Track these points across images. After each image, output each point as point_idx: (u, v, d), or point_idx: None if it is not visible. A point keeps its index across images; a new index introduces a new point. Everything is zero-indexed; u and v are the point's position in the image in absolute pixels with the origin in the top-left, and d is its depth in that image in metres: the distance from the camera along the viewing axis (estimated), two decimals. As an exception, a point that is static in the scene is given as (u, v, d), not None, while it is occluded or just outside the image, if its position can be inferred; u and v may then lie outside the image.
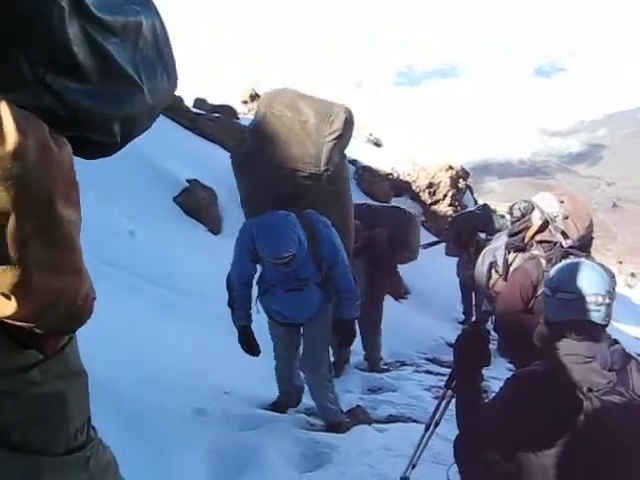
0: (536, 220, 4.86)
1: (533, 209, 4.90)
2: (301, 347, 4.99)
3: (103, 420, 3.60)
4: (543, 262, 4.65)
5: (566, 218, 4.72)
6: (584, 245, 4.74)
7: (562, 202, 4.81)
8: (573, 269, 2.77)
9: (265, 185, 4.76)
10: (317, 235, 4.40)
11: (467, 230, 9.68)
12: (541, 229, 4.83)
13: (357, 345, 7.68)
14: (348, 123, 4.78)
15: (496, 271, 5.32)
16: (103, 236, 7.26)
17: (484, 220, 9.72)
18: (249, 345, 4.65)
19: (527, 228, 4.94)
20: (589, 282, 2.66)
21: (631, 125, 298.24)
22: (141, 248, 7.53)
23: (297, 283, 4.50)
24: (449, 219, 11.91)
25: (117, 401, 3.87)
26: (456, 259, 10.44)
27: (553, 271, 2.84)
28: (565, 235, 4.68)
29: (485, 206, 10.92)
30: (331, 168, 4.69)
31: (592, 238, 4.88)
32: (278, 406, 5.10)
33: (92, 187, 8.34)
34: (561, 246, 4.68)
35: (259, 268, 4.65)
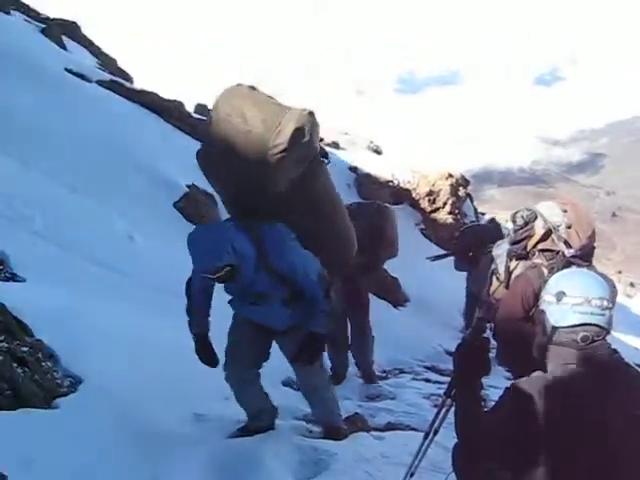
0: (539, 229, 4.86)
1: (536, 217, 4.90)
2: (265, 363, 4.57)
3: (103, 426, 3.60)
4: (545, 271, 4.64)
5: (569, 227, 4.72)
6: (586, 254, 4.74)
7: (565, 211, 4.80)
8: (575, 275, 2.81)
9: (223, 192, 4.46)
10: (266, 248, 3.93)
11: (476, 244, 9.07)
12: (544, 238, 4.83)
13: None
14: (300, 135, 4.02)
15: (497, 278, 5.32)
16: (103, 241, 7.26)
17: (494, 233, 9.08)
18: (206, 355, 4.30)
19: (529, 237, 4.94)
20: (594, 287, 2.68)
21: (631, 134, 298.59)
22: (141, 253, 7.52)
23: (254, 298, 4.14)
24: (457, 232, 11.72)
25: (116, 407, 3.87)
26: (454, 269, 10.35)
27: (553, 280, 2.84)
28: (568, 244, 4.67)
29: (493, 219, 10.82)
30: (282, 186, 4.05)
31: (594, 248, 4.88)
32: (247, 432, 4.54)
33: (93, 192, 8.37)
34: (563, 255, 4.68)
35: None
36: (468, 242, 9.54)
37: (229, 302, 4.33)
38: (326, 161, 4.45)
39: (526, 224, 4.96)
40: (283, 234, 4.05)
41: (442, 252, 11.91)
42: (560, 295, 2.69)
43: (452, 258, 10.43)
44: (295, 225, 4.11)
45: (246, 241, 3.84)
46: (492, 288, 5.36)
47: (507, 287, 5.12)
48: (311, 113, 4.14)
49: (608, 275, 4.68)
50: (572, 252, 4.65)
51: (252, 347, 4.47)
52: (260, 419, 4.58)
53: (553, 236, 4.75)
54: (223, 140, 4.05)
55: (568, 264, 4.62)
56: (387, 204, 7.55)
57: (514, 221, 5.12)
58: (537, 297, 4.59)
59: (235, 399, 4.49)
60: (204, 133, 4.38)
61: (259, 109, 4.03)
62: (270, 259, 3.94)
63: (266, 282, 4.02)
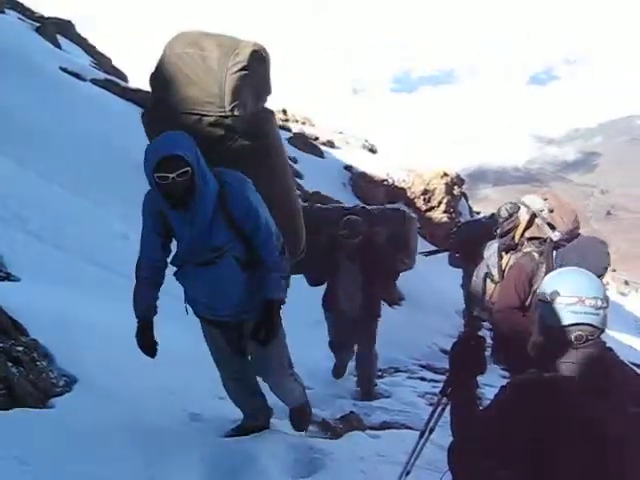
0: (523, 216, 4.99)
1: (519, 209, 5.04)
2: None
3: (98, 425, 3.60)
4: (536, 256, 4.73)
5: (551, 211, 4.85)
6: (571, 239, 4.84)
7: (546, 199, 4.95)
8: (569, 275, 2.81)
9: None
10: (227, 190, 3.58)
11: (473, 240, 8.44)
12: (529, 224, 4.95)
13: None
14: (258, 58, 3.89)
15: (491, 280, 5.34)
16: (99, 240, 7.25)
17: (491, 229, 8.86)
18: (145, 343, 3.85)
19: (515, 227, 5.06)
20: (587, 286, 2.69)
21: (626, 133, 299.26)
22: (135, 252, 7.50)
23: (209, 254, 3.65)
24: (453, 228, 11.63)
25: (112, 406, 3.87)
26: (448, 265, 10.29)
27: (548, 279, 2.84)
28: (552, 227, 4.78)
29: (493, 215, 10.73)
30: (240, 110, 3.78)
31: (579, 234, 4.96)
32: (242, 431, 4.38)
33: (89, 192, 8.35)
34: (551, 240, 4.77)
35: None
36: (464, 238, 9.26)
37: (175, 274, 3.87)
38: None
39: (510, 215, 5.13)
40: (244, 178, 3.70)
41: (436, 249, 11.90)
42: (554, 295, 2.70)
43: (447, 254, 10.38)
44: None
45: (210, 171, 3.53)
46: (488, 291, 5.38)
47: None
48: (265, 48, 4.05)
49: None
50: (558, 235, 4.76)
51: (223, 349, 4.16)
52: (255, 418, 4.46)
53: (537, 221, 4.88)
54: (177, 74, 3.85)
55: (557, 247, 4.72)
56: (412, 213, 7.43)
57: (499, 215, 5.26)
58: (531, 282, 4.68)
59: (231, 399, 4.38)
60: (152, 81, 4.05)
61: (214, 39, 3.91)
62: (230, 203, 3.59)
63: (223, 232, 3.63)
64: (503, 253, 5.26)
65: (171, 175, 3.25)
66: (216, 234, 3.60)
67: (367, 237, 6.50)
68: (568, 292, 2.67)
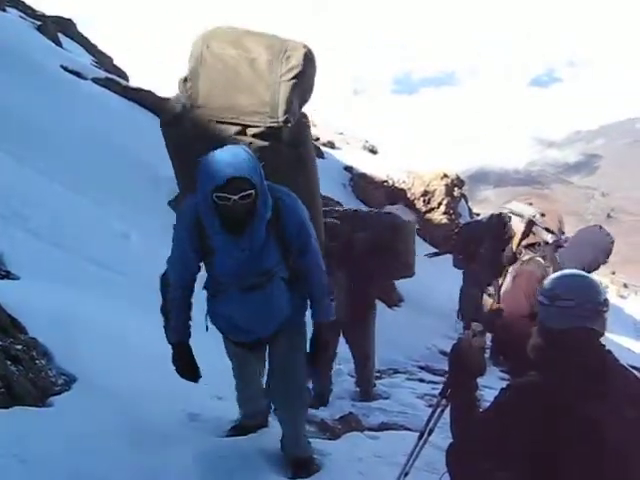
0: (518, 225, 4.96)
1: (510, 218, 5.01)
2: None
3: (97, 424, 3.59)
4: (542, 261, 4.70)
5: (543, 215, 4.84)
6: (561, 238, 4.86)
7: (531, 204, 4.95)
8: (570, 278, 2.80)
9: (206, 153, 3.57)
10: (280, 206, 3.28)
11: (474, 240, 8.75)
12: (526, 232, 4.92)
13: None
14: (309, 60, 3.61)
15: (488, 295, 5.32)
16: (99, 239, 7.26)
17: (491, 229, 8.83)
18: (186, 368, 3.61)
19: (511, 237, 5.01)
20: (588, 290, 2.68)
21: (627, 136, 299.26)
22: (136, 252, 7.51)
23: (257, 278, 3.35)
24: (454, 229, 11.57)
25: (111, 405, 3.86)
26: (448, 264, 10.23)
27: (548, 281, 2.84)
28: (548, 230, 4.78)
29: (492, 216, 10.66)
30: (292, 119, 3.53)
31: (564, 232, 4.98)
32: (241, 430, 4.21)
33: (89, 190, 8.35)
34: (546, 243, 4.77)
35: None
36: (466, 238, 9.24)
37: (211, 299, 3.60)
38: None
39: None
40: (291, 193, 3.42)
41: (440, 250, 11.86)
42: (554, 297, 2.69)
43: (450, 256, 10.32)
44: None
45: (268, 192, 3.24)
46: (485, 304, 5.35)
47: (498, 301, 5.14)
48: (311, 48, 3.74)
49: (602, 276, 4.77)
50: (554, 237, 4.76)
51: (244, 366, 4.00)
52: (254, 418, 4.31)
53: (534, 229, 4.86)
54: (218, 77, 3.52)
55: (556, 249, 4.72)
56: (408, 219, 6.71)
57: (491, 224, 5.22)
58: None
59: (239, 402, 4.25)
60: (183, 84, 3.67)
61: (258, 39, 3.60)
62: (283, 220, 3.31)
63: (274, 254, 3.36)
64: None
65: (234, 197, 2.98)
66: (267, 257, 3.34)
67: (348, 243, 6.18)
68: (568, 295, 2.66)
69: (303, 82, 3.59)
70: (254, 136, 3.55)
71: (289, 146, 3.66)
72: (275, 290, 3.43)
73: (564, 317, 2.64)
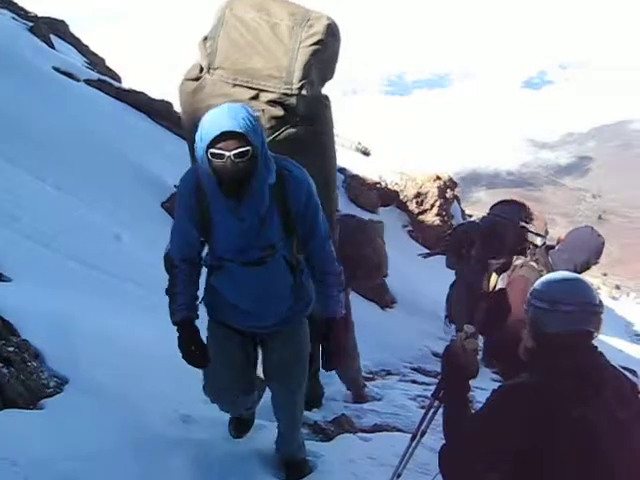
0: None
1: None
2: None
3: (89, 427, 3.58)
4: (535, 265, 4.73)
5: (532, 220, 4.90)
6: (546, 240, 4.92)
7: (524, 205, 5.01)
8: (568, 282, 2.79)
9: None
10: (287, 178, 3.04)
11: (469, 241, 8.13)
12: (520, 238, 4.96)
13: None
14: (332, 32, 3.50)
15: (479, 296, 5.35)
16: (89, 240, 7.23)
17: (485, 230, 8.86)
18: (193, 349, 3.30)
19: (502, 242, 5.05)
20: (587, 293, 2.70)
21: (618, 138, 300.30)
22: (128, 253, 7.49)
23: (260, 252, 3.12)
24: (447, 231, 11.57)
25: (103, 408, 3.85)
26: (442, 266, 10.23)
27: (543, 286, 2.82)
28: (538, 234, 4.83)
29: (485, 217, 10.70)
30: (308, 89, 3.38)
31: (548, 232, 5.05)
32: (239, 424, 4.08)
33: (80, 191, 8.32)
34: (536, 246, 4.81)
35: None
36: (460, 239, 8.74)
37: (210, 277, 3.37)
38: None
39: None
40: (302, 168, 3.17)
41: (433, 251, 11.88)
42: (555, 302, 2.68)
43: (443, 257, 10.32)
44: None
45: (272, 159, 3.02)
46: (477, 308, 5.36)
47: (489, 303, 5.16)
48: (336, 23, 3.59)
49: (593, 278, 4.81)
50: (543, 240, 4.81)
51: (230, 357, 3.51)
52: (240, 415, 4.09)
53: (525, 231, 4.91)
54: (238, 39, 3.38)
55: (547, 251, 4.76)
56: (372, 219, 6.14)
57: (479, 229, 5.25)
58: None
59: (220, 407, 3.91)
60: (203, 44, 3.54)
61: (282, 5, 3.50)
62: (290, 193, 3.06)
63: (277, 228, 3.11)
64: (494, 273, 5.26)
65: (228, 153, 2.74)
66: (270, 229, 3.09)
67: None
68: (569, 299, 2.67)
69: (324, 52, 3.46)
70: (268, 103, 3.40)
71: (304, 120, 3.50)
72: (276, 268, 3.20)
73: (565, 321, 2.64)
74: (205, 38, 3.53)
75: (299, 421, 3.92)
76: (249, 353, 3.57)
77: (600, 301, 2.74)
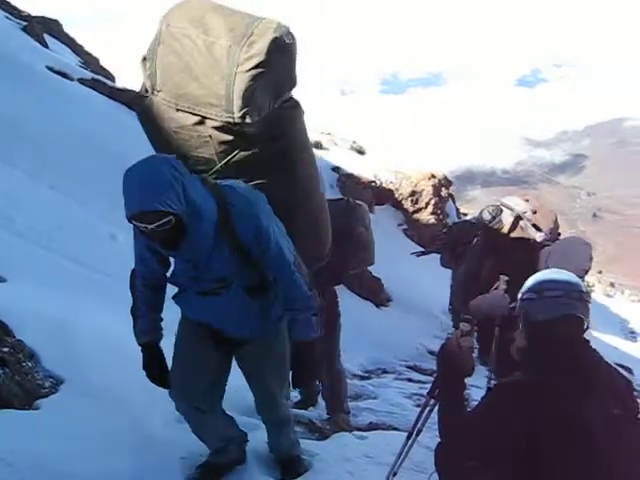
0: (507, 218, 5.01)
1: (502, 211, 5.05)
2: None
3: (84, 427, 3.57)
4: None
5: (535, 213, 4.89)
6: (554, 239, 4.91)
7: (527, 200, 5.00)
8: (552, 272, 2.89)
9: (168, 141, 3.25)
10: (230, 211, 2.88)
11: (464, 240, 8.05)
12: (513, 226, 4.97)
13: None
14: (280, 47, 3.04)
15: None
16: (85, 240, 7.22)
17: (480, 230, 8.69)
18: (156, 372, 3.29)
19: (499, 229, 5.06)
20: (572, 280, 2.76)
21: (612, 136, 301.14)
22: (123, 253, 7.48)
23: (212, 284, 3.07)
24: (442, 229, 11.60)
25: (98, 408, 3.85)
26: (437, 264, 10.23)
27: (531, 280, 2.87)
28: (537, 228, 4.83)
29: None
30: (255, 115, 3.01)
31: (560, 234, 5.04)
32: (210, 470, 3.67)
33: (75, 191, 8.31)
34: (534, 241, 4.82)
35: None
36: (455, 238, 8.92)
37: (174, 297, 3.30)
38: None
39: (494, 218, 5.12)
40: (253, 192, 3.04)
41: (427, 249, 11.91)
42: (540, 290, 2.73)
43: (438, 255, 10.31)
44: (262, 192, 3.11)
45: (204, 193, 2.84)
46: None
47: (478, 282, 5.19)
48: (288, 30, 3.12)
49: (588, 275, 4.81)
50: (543, 236, 4.82)
51: (204, 366, 3.39)
52: (226, 452, 3.72)
53: (522, 223, 4.91)
54: (173, 61, 3.05)
55: (542, 248, 4.77)
56: (360, 202, 5.81)
57: (482, 217, 5.25)
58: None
59: (193, 432, 3.65)
60: (143, 64, 3.23)
61: (225, 19, 3.06)
62: (234, 223, 2.89)
63: (228, 260, 2.98)
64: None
65: (150, 226, 2.64)
66: (219, 263, 2.99)
67: None
68: (553, 286, 2.71)
69: (268, 73, 3.01)
70: (215, 129, 3.10)
71: (264, 140, 3.16)
72: (231, 299, 3.12)
73: (552, 306, 2.67)
74: (144, 58, 3.23)
75: (287, 420, 3.78)
76: (221, 358, 3.46)
77: (587, 290, 2.77)
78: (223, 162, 3.13)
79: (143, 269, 3.20)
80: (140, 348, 3.30)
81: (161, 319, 3.34)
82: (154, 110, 3.19)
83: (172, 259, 3.18)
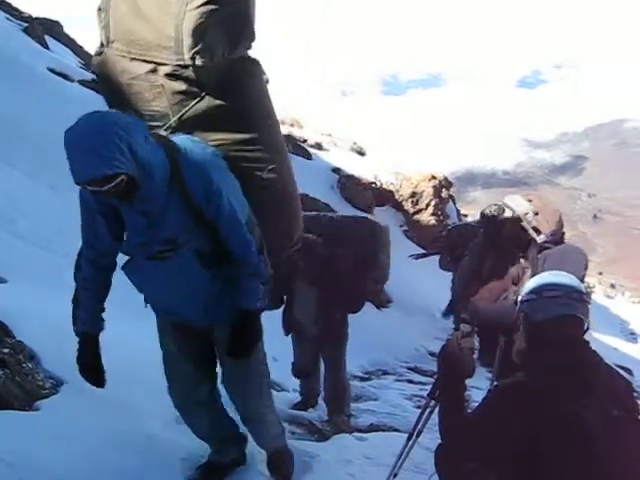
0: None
1: (504, 210, 5.04)
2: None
3: (84, 428, 3.57)
4: (521, 261, 4.77)
5: (536, 214, 4.88)
6: (557, 240, 4.90)
7: (530, 201, 4.98)
8: (551, 276, 2.86)
9: (122, 96, 3.07)
10: (181, 162, 2.72)
11: (463, 243, 7.83)
12: (513, 228, 4.96)
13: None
14: None
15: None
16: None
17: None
18: (87, 367, 3.08)
19: (500, 228, 5.06)
20: (569, 281, 2.76)
21: (613, 137, 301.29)
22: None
23: (160, 247, 2.85)
24: (442, 231, 11.60)
25: (99, 409, 3.84)
26: (439, 268, 10.21)
27: (530, 281, 2.89)
28: (537, 231, 4.82)
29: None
30: (206, 58, 2.82)
31: (564, 233, 5.02)
32: (211, 470, 3.60)
33: (75, 191, 8.30)
34: (535, 242, 4.82)
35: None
36: (454, 241, 8.84)
37: (124, 267, 3.08)
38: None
39: (495, 217, 5.10)
40: (204, 145, 2.88)
41: (426, 252, 11.93)
42: (540, 291, 2.74)
43: (436, 257, 10.28)
44: None
45: (155, 147, 2.69)
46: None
47: (479, 277, 5.20)
48: None
49: (589, 277, 4.84)
50: (543, 238, 4.81)
51: (188, 356, 3.29)
52: (226, 452, 3.68)
53: (522, 224, 4.89)
54: (121, 7, 2.91)
55: (541, 250, 4.76)
56: (382, 224, 5.75)
57: (484, 213, 5.25)
58: (516, 286, 4.72)
59: (190, 429, 3.59)
60: (98, 14, 3.06)
61: None
62: (185, 176, 2.73)
63: (179, 218, 2.80)
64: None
65: (102, 189, 2.53)
66: (169, 222, 2.80)
67: (329, 262, 5.29)
68: (553, 286, 2.72)
69: (221, 10, 2.81)
70: (167, 76, 2.91)
71: (216, 94, 2.97)
72: (179, 264, 2.88)
73: (551, 306, 2.68)
74: (99, 9, 3.06)
75: (263, 410, 3.48)
76: (200, 344, 3.29)
77: (586, 291, 2.78)
78: (177, 117, 2.98)
79: (93, 253, 3.02)
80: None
81: (103, 310, 3.14)
82: (108, 65, 3.03)
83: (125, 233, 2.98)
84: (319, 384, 6.02)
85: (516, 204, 4.99)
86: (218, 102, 2.97)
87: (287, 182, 3.47)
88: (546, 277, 2.84)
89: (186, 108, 2.95)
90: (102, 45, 3.08)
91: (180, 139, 2.83)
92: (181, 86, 2.92)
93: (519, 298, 2.88)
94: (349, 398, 5.95)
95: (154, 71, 2.91)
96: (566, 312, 2.67)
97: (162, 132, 2.93)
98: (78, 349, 3.06)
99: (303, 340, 5.70)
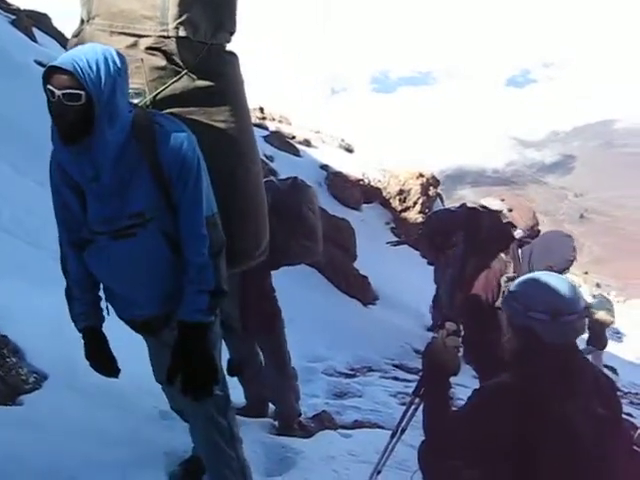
0: None
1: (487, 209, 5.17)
2: None
3: (68, 423, 3.55)
4: (503, 256, 4.85)
5: (510, 211, 5.01)
6: (534, 236, 5.04)
7: (503, 200, 5.12)
8: (559, 285, 2.65)
9: None
10: (158, 133, 2.61)
11: (443, 229, 7.14)
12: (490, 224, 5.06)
13: (325, 351, 7.65)
14: None
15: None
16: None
17: (461, 219, 7.55)
18: (100, 360, 2.96)
19: (478, 227, 5.14)
20: (581, 300, 2.65)
21: (600, 137, 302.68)
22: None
23: (127, 221, 2.63)
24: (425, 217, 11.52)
25: (82, 404, 3.84)
26: (424, 262, 9.84)
27: (537, 292, 2.68)
28: (512, 225, 4.95)
29: (464, 204, 10.16)
30: (189, 30, 2.81)
31: (539, 230, 5.13)
32: (192, 466, 3.49)
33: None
34: (513, 237, 4.94)
35: None
36: (433, 228, 7.71)
37: (84, 252, 2.82)
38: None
39: (475, 209, 5.22)
40: (188, 131, 2.72)
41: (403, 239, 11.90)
42: (556, 313, 2.57)
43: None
44: None
45: (129, 106, 2.63)
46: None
47: (462, 285, 5.21)
48: None
49: (574, 276, 4.90)
50: (520, 233, 4.94)
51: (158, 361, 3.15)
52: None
53: (500, 216, 5.01)
54: None
55: (520, 245, 4.87)
56: (309, 184, 5.21)
57: (464, 208, 5.38)
58: (499, 283, 4.77)
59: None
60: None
61: None
62: (160, 151, 2.60)
63: (148, 192, 2.63)
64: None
65: (57, 92, 2.40)
66: (138, 194, 2.62)
67: None
68: (571, 309, 2.60)
69: None
70: (148, 50, 2.84)
71: (195, 74, 2.92)
72: (148, 242, 2.69)
73: (567, 333, 2.61)
74: None
75: (211, 429, 3.06)
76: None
77: (585, 306, 2.73)
78: (153, 94, 2.88)
79: (73, 235, 2.81)
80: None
81: (100, 299, 2.97)
82: (86, 42, 2.84)
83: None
84: (263, 387, 5.08)
85: (489, 203, 5.11)
86: (195, 83, 2.91)
87: (258, 184, 3.32)
88: (561, 296, 2.62)
89: (163, 86, 2.87)
90: (82, 23, 3.03)
91: (162, 116, 2.74)
92: (161, 62, 2.86)
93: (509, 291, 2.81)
94: (298, 391, 5.16)
95: (134, 45, 2.85)
96: (578, 335, 2.67)
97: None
98: (84, 345, 2.96)
99: (228, 332, 4.32)
